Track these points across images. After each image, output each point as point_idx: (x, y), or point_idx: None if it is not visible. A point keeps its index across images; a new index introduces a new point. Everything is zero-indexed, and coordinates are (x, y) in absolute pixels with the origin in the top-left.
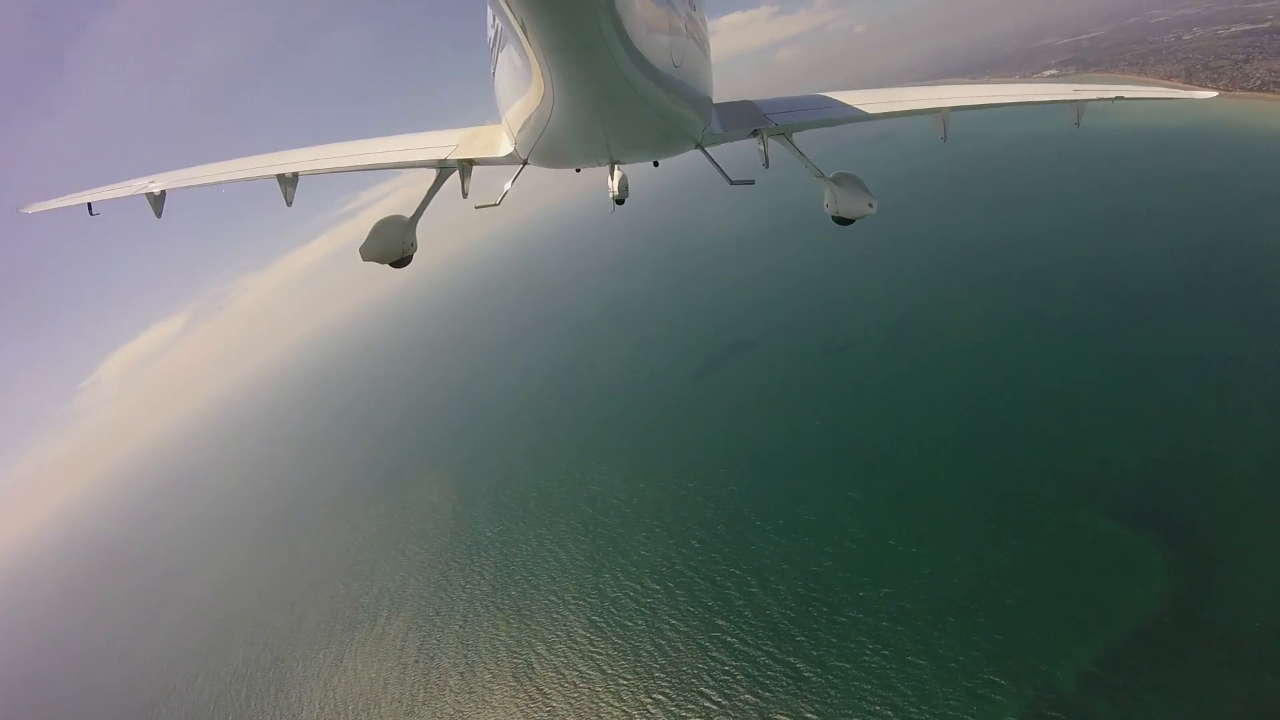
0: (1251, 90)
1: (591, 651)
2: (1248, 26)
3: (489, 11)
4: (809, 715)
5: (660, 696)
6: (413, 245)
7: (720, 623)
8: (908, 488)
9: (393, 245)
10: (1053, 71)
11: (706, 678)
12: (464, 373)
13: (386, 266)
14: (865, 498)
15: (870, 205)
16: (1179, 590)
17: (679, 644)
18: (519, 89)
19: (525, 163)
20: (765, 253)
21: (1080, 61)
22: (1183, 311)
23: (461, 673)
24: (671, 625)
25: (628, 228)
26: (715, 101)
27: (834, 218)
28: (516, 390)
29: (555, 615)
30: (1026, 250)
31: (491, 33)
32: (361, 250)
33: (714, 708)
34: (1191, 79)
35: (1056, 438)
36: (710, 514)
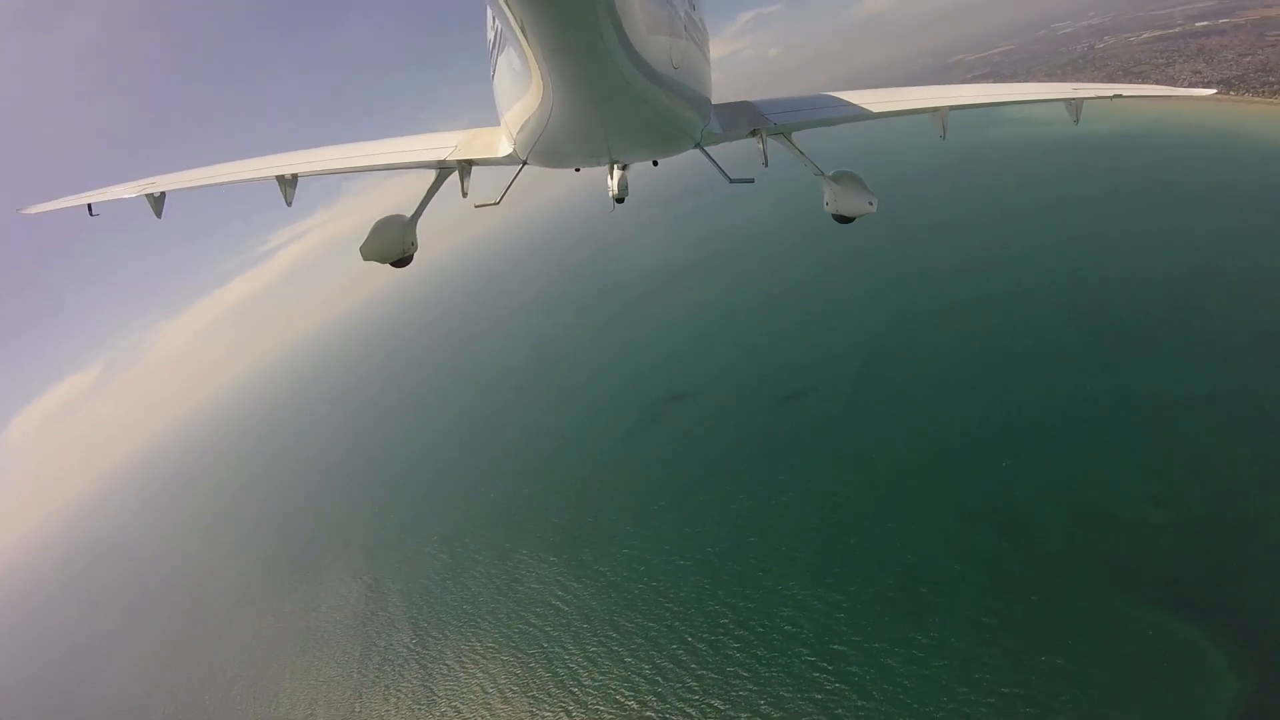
0: None
1: None
2: (1159, 32)
3: (489, 13)
4: None
5: None
6: (413, 245)
7: None
8: (909, 581)
9: (393, 245)
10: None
11: None
12: (378, 434)
13: (387, 266)
14: (859, 595)
15: (870, 204)
16: (1252, 692)
17: None
18: (519, 90)
19: (524, 163)
20: (699, 285)
21: (996, 75)
22: (1181, 340)
23: None
24: None
25: (550, 263)
26: (714, 102)
27: (834, 216)
28: (431, 457)
29: None
30: (999, 271)
31: (491, 34)
32: (362, 250)
33: None
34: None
35: (1073, 503)
36: (675, 620)
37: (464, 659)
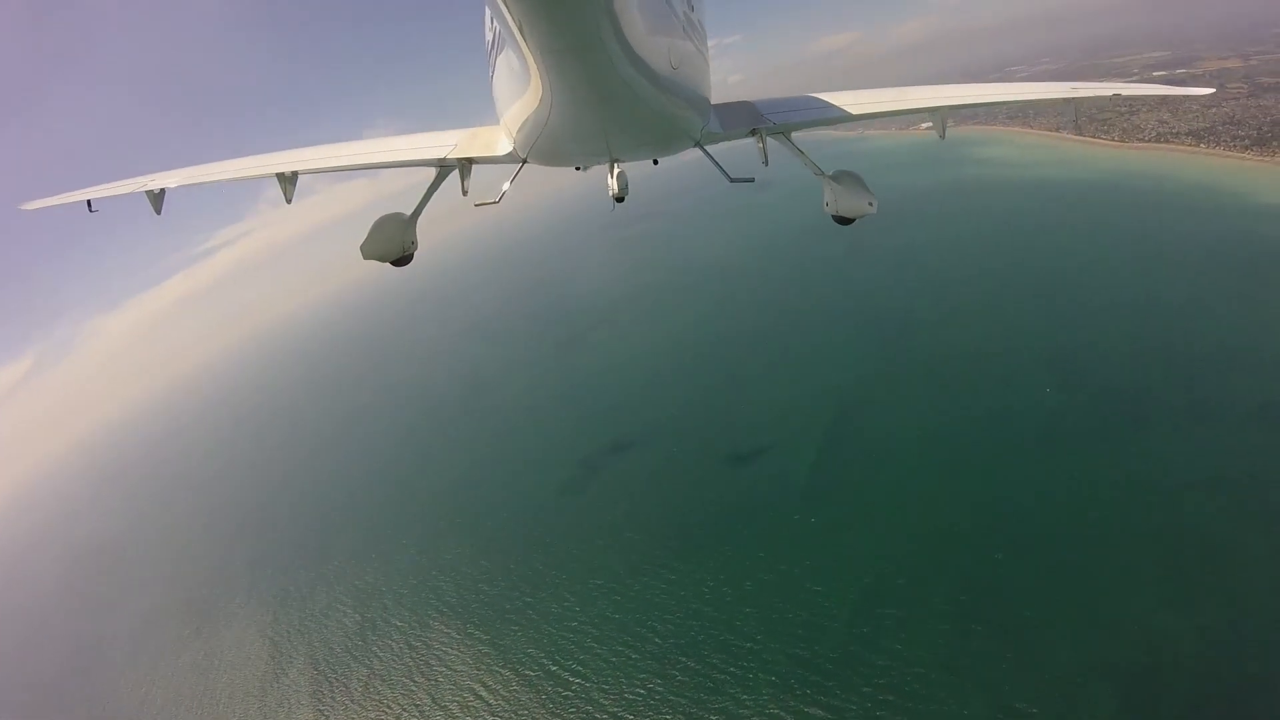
0: (1148, 141)
1: None
2: (1117, 81)
3: (487, 14)
4: None
5: None
6: (413, 244)
7: None
8: (900, 697)
9: (393, 244)
10: (927, 124)
11: None
12: (297, 468)
13: (387, 265)
14: (843, 713)
15: (870, 204)
16: None
17: None
18: (517, 90)
19: (525, 161)
20: (649, 318)
21: (954, 115)
22: (1182, 412)
23: None
24: None
25: (493, 285)
26: (714, 102)
27: (834, 217)
28: (353, 500)
29: None
30: (979, 323)
31: (490, 35)
32: (362, 248)
33: None
34: (1083, 131)
35: (1081, 605)
36: None
37: None
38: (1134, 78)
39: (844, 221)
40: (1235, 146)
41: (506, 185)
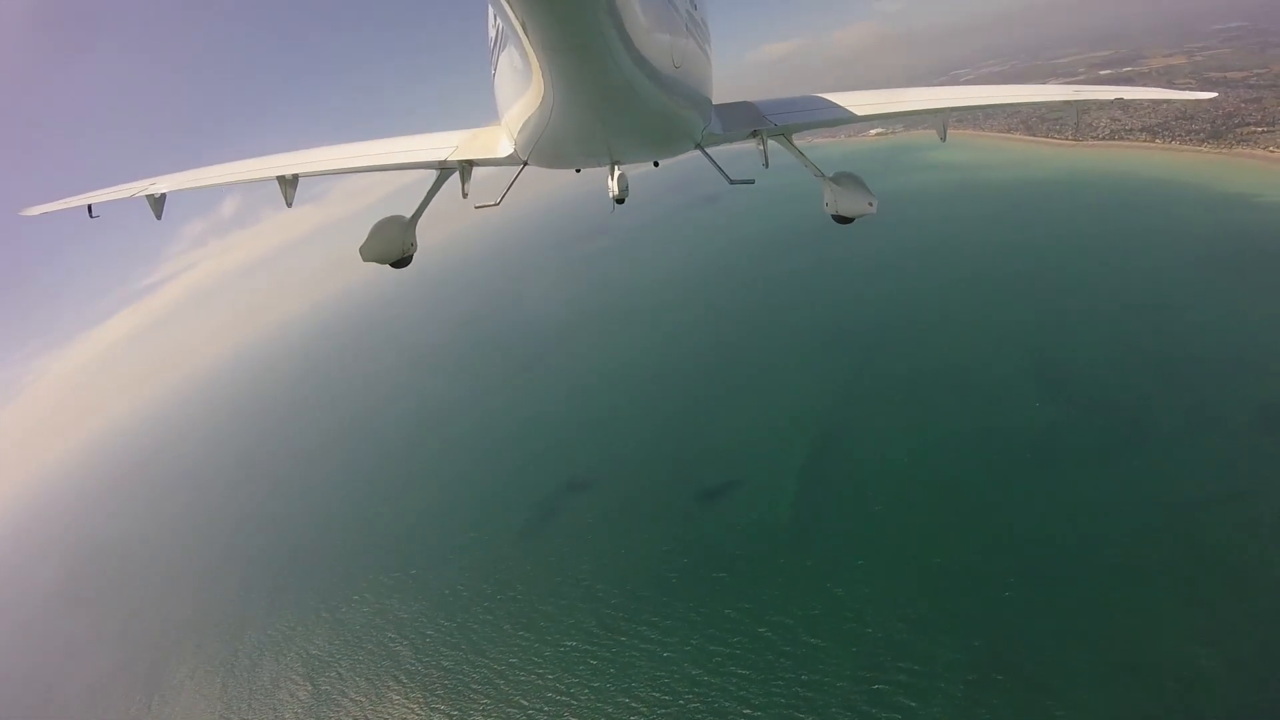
0: (1102, 139)
1: None
2: (1065, 80)
3: (490, 11)
4: None
5: None
6: (413, 245)
7: None
8: None
9: (392, 245)
10: (878, 130)
11: None
12: (240, 515)
13: (387, 267)
14: None
15: (870, 204)
16: None
17: None
18: (519, 90)
19: (525, 163)
20: (607, 342)
21: (907, 118)
22: (1184, 422)
23: None
24: None
25: (441, 309)
26: (715, 102)
27: (834, 216)
28: (300, 550)
29: None
30: (957, 332)
31: (492, 33)
32: (361, 250)
33: None
34: (1034, 131)
35: (1106, 646)
36: None
37: None
38: (1080, 77)
39: (844, 221)
40: (1191, 140)
41: (498, 201)
